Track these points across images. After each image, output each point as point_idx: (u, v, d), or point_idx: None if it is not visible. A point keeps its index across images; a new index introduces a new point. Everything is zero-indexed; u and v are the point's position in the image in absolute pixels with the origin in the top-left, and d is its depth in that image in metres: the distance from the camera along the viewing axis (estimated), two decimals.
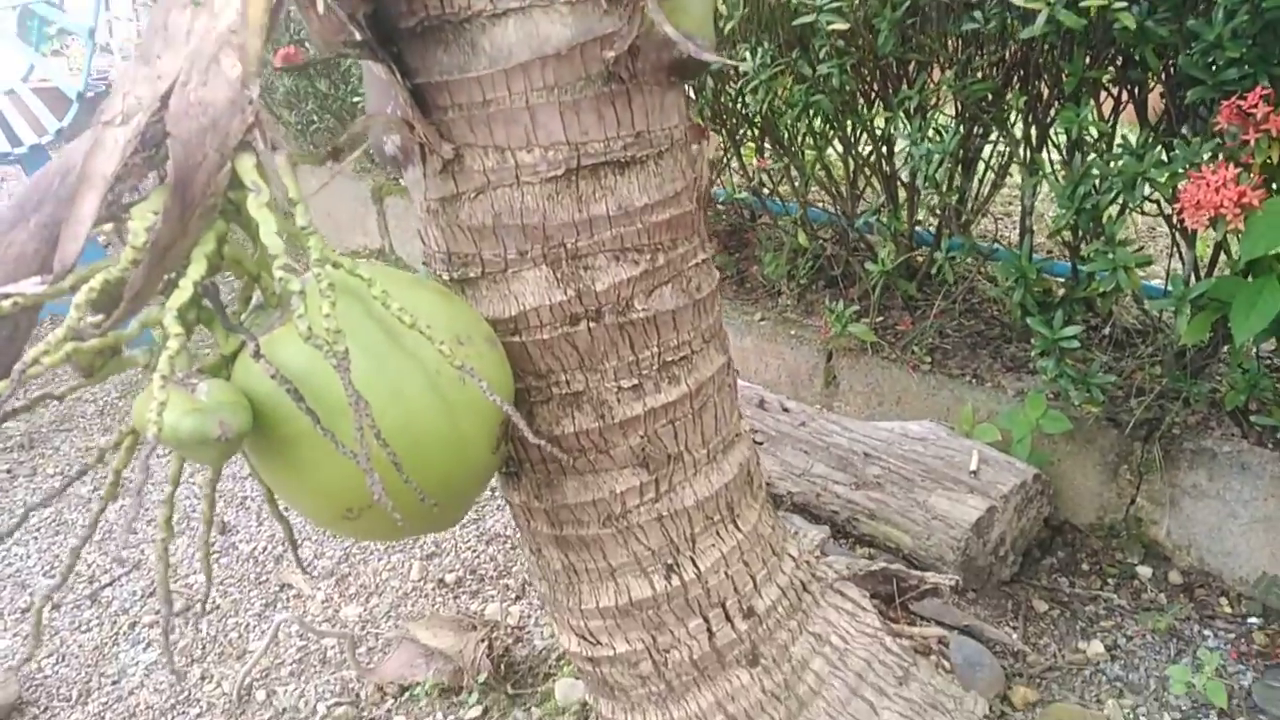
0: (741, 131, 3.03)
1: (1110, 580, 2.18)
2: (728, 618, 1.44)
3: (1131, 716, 1.83)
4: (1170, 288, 1.88)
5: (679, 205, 1.25)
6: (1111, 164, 1.90)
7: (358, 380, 0.97)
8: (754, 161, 3.03)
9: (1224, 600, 2.09)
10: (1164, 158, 1.82)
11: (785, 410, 2.52)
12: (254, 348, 0.96)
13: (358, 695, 2.05)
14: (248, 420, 0.96)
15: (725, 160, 3.22)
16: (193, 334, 1.02)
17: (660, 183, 1.22)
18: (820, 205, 3.03)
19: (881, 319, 2.78)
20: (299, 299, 0.94)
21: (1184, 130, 1.96)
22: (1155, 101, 2.09)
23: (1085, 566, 2.23)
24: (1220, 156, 1.70)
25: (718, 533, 1.43)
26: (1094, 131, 2.13)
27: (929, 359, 2.56)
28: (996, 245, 2.51)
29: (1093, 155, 1.99)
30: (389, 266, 1.17)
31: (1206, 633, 2.01)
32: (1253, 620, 2.03)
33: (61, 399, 1.03)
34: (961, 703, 1.51)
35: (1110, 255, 1.94)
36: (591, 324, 1.24)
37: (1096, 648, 1.99)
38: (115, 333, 0.98)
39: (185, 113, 0.88)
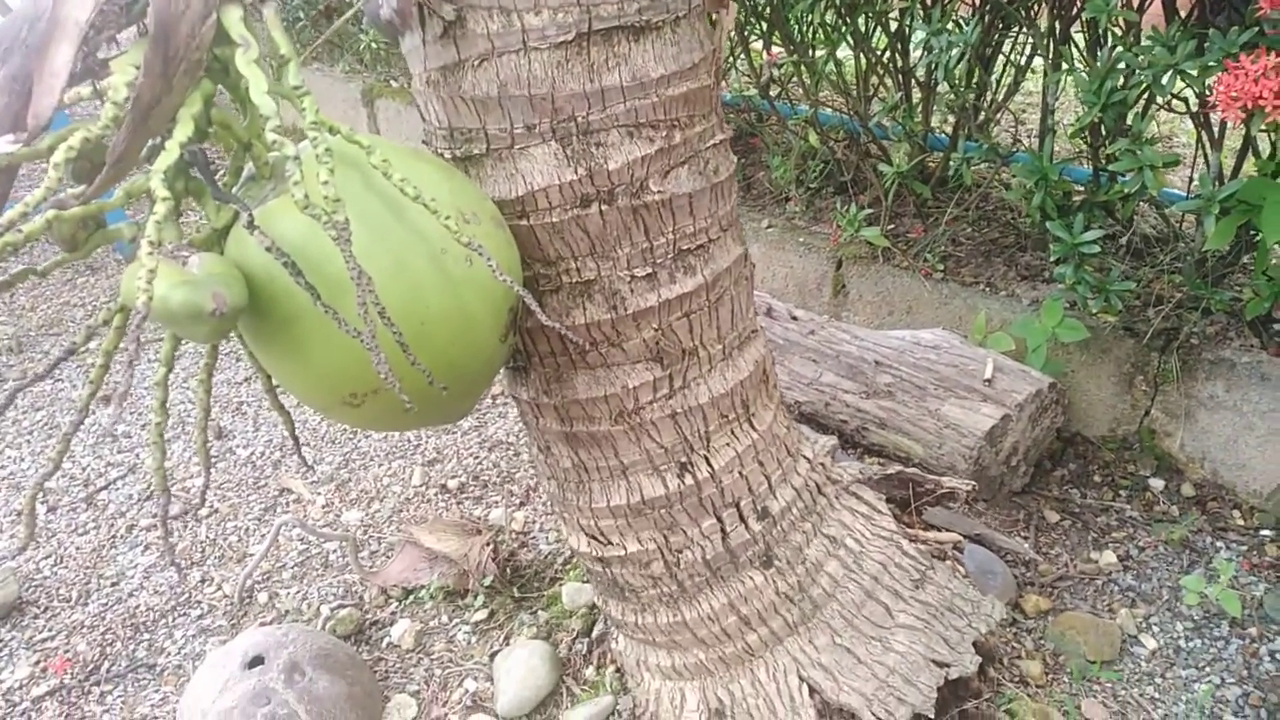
0: (749, 26, 2.91)
1: (1122, 492, 2.15)
2: (742, 518, 1.40)
3: (1144, 626, 1.81)
4: (1200, 189, 1.81)
5: (696, 78, 1.17)
6: (1140, 57, 1.81)
7: (358, 253, 0.91)
8: (764, 57, 2.92)
9: (1236, 513, 2.06)
10: (1195, 49, 1.73)
11: (794, 318, 2.46)
12: (248, 219, 0.89)
13: (361, 598, 2.03)
14: (243, 294, 0.90)
15: (732, 60, 3.11)
16: (182, 204, 0.95)
17: (677, 52, 1.14)
18: (831, 107, 2.93)
19: (893, 226, 2.70)
20: (294, 165, 0.87)
21: (1218, 20, 1.87)
22: None
23: (1097, 478, 2.20)
24: (1260, 45, 1.62)
25: (732, 431, 1.38)
26: (1122, 23, 2.03)
27: (941, 266, 2.50)
28: (1017, 146, 2.42)
29: (1119, 48, 1.89)
30: (386, 139, 1.09)
31: (1219, 544, 1.99)
32: (1265, 532, 2.00)
33: (44, 275, 0.97)
34: (979, 606, 1.48)
35: (1137, 154, 1.86)
36: (603, 206, 1.17)
37: (1109, 558, 1.97)
38: (98, 201, 0.92)
39: None
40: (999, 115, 2.57)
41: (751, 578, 1.42)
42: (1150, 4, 2.11)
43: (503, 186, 1.18)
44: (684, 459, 1.35)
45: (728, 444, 1.37)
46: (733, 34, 2.89)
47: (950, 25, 2.16)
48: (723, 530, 1.39)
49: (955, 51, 2.11)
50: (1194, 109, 1.99)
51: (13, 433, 2.76)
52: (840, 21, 2.60)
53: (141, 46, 0.87)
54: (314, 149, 0.88)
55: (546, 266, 1.22)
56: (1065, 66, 2.14)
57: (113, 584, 2.16)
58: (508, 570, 1.99)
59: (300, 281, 0.90)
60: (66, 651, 1.97)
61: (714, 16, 1.23)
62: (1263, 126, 1.60)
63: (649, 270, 1.23)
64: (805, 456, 1.52)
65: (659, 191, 1.18)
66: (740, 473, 1.38)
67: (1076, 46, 2.24)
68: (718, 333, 1.33)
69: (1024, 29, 2.24)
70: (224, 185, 1.05)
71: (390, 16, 1.14)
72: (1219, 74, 1.64)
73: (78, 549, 2.27)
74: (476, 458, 2.48)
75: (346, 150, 0.97)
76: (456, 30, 1.09)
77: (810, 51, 2.73)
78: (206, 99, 0.93)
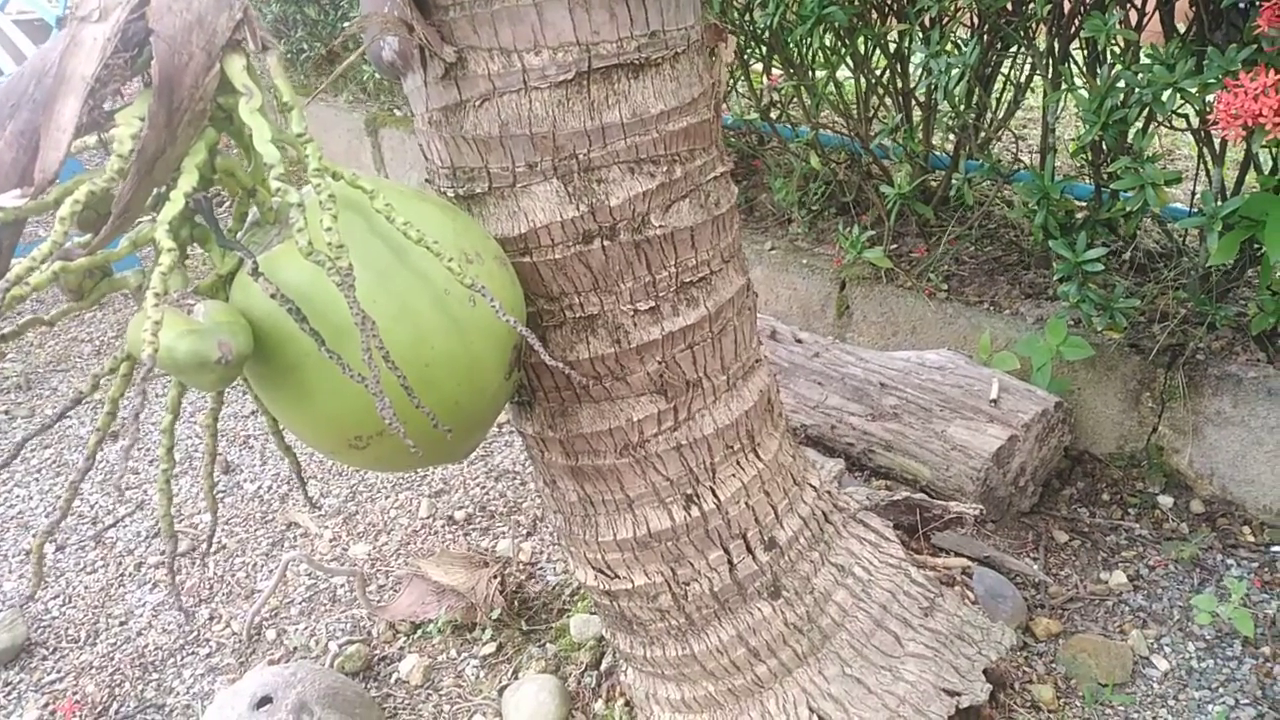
0: (749, 50, 2.93)
1: (1131, 510, 2.14)
2: (749, 549, 1.39)
3: (1156, 646, 1.80)
4: (1202, 206, 1.81)
5: (696, 113, 1.18)
6: (1140, 75, 1.82)
7: (362, 298, 0.91)
8: (764, 81, 2.93)
9: (1247, 529, 2.05)
10: (1193, 67, 1.74)
11: (798, 341, 2.46)
12: (252, 265, 0.90)
13: (369, 633, 2.03)
14: (248, 342, 0.90)
15: (732, 83, 3.12)
16: (187, 252, 0.95)
17: (677, 88, 1.14)
18: (831, 129, 2.94)
19: (895, 246, 2.70)
20: (298, 212, 0.87)
21: (1217, 37, 1.88)
22: (1183, 8, 2.00)
23: (1106, 497, 2.19)
24: (1259, 63, 1.62)
25: (738, 462, 1.38)
26: (1121, 41, 2.04)
27: (945, 286, 2.50)
28: (1018, 165, 2.43)
29: (1119, 67, 1.90)
30: (390, 181, 1.10)
31: (1230, 562, 1.98)
32: (1276, 549, 1.99)
33: (52, 324, 0.97)
34: (989, 633, 1.48)
35: (1138, 172, 1.86)
36: (605, 242, 1.17)
37: (1119, 578, 1.96)
38: (104, 251, 0.92)
39: (168, 8, 0.81)
40: (1000, 134, 2.57)
41: (760, 609, 1.41)
42: (1149, 21, 2.12)
43: (505, 224, 1.18)
44: (690, 491, 1.35)
45: (733, 475, 1.37)
46: (733, 63, 2.90)
47: (949, 47, 2.17)
48: (730, 562, 1.38)
49: (955, 72, 2.11)
50: (1195, 125, 2.00)
51: (21, 471, 2.77)
52: (839, 44, 2.61)
53: (146, 98, 0.88)
54: (317, 195, 0.89)
55: (550, 302, 1.22)
56: (1065, 85, 2.14)
57: (121, 623, 2.16)
58: (515, 603, 1.98)
59: (305, 328, 0.90)
60: (75, 693, 1.97)
61: (713, 50, 1.24)
62: (1263, 143, 1.61)
63: (652, 304, 1.23)
64: (811, 484, 1.51)
65: (660, 226, 1.19)
66: (746, 503, 1.38)
67: (1076, 64, 2.25)
68: (721, 363, 1.33)
69: (1023, 48, 2.25)
70: (229, 231, 1.06)
71: (392, 58, 1.15)
72: (1219, 92, 1.64)
73: (86, 588, 2.27)
74: (483, 487, 2.48)
75: (350, 195, 0.97)
76: (458, 71, 1.10)
77: (810, 74, 2.74)
78: (211, 148, 0.94)
